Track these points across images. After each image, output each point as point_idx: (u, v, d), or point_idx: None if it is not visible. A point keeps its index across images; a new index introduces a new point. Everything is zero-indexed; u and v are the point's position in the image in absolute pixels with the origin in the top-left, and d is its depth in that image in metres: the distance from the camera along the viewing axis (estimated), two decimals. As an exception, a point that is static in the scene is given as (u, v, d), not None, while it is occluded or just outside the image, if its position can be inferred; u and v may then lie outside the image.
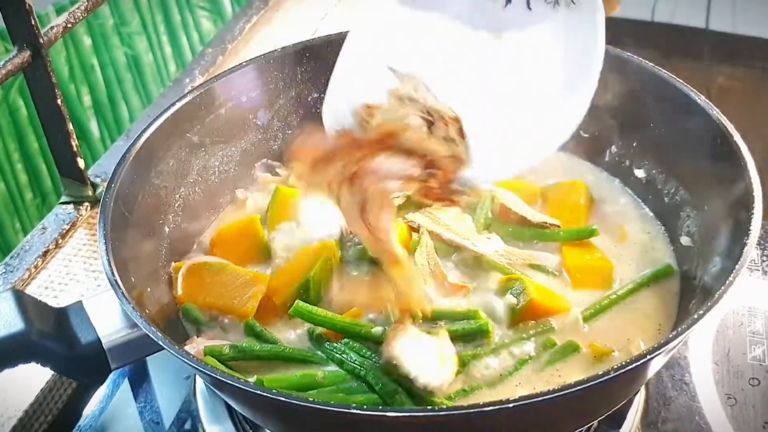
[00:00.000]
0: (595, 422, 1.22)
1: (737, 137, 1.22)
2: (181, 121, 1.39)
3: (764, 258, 1.52)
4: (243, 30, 2.14)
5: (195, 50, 2.79)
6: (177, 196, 1.39)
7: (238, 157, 1.50)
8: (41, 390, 1.34)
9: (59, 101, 1.56)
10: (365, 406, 1.04)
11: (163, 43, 2.78)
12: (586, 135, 1.50)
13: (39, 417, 1.34)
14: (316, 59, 1.53)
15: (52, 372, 1.32)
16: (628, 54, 1.41)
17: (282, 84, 1.52)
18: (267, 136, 1.53)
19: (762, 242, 1.54)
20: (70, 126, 1.59)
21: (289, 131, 1.55)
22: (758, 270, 1.50)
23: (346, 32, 1.31)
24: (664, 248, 1.36)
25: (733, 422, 1.25)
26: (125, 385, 1.38)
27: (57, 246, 1.58)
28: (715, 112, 1.27)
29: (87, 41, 2.58)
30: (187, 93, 1.41)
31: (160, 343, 1.02)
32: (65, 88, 2.53)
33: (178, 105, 1.38)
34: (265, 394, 0.96)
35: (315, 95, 1.55)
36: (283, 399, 0.95)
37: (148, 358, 1.35)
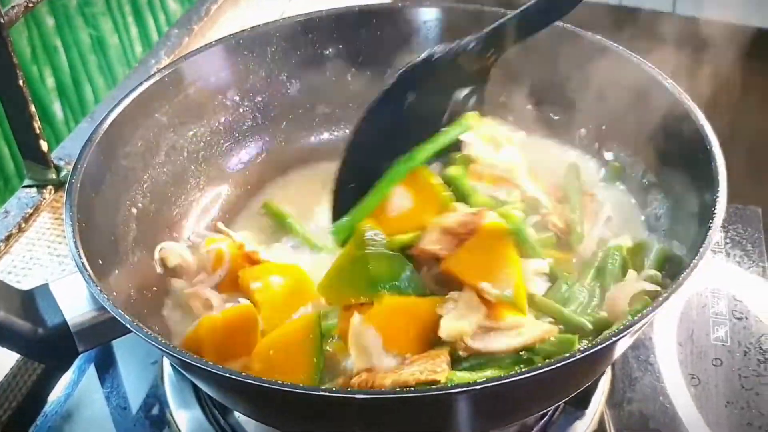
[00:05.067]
0: (561, 403, 1.23)
1: (702, 119, 1.23)
2: (148, 102, 1.36)
3: (728, 240, 1.54)
4: (209, 11, 2.11)
5: (161, 31, 2.74)
6: (145, 176, 1.37)
7: (207, 137, 1.48)
8: (5, 376, 1.32)
9: (21, 82, 1.53)
10: (333, 388, 1.04)
11: (128, 24, 2.73)
12: (557, 118, 1.51)
13: (3, 403, 1.32)
14: (285, 40, 1.51)
15: (16, 358, 1.31)
16: (598, 37, 1.41)
17: (252, 64, 1.50)
18: (237, 117, 1.52)
19: (726, 225, 1.56)
20: (33, 108, 1.56)
21: (258, 112, 1.54)
22: (722, 252, 1.52)
23: (315, 13, 1.29)
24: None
25: (696, 402, 1.27)
26: (91, 370, 1.37)
27: (20, 230, 1.56)
28: (681, 94, 1.28)
29: (50, 21, 2.53)
30: (155, 73, 1.39)
31: (128, 326, 1.01)
32: (27, 69, 2.47)
33: (146, 85, 1.36)
34: (234, 377, 0.95)
35: (284, 75, 1.54)
36: (252, 381, 0.94)
37: (114, 344, 1.34)
